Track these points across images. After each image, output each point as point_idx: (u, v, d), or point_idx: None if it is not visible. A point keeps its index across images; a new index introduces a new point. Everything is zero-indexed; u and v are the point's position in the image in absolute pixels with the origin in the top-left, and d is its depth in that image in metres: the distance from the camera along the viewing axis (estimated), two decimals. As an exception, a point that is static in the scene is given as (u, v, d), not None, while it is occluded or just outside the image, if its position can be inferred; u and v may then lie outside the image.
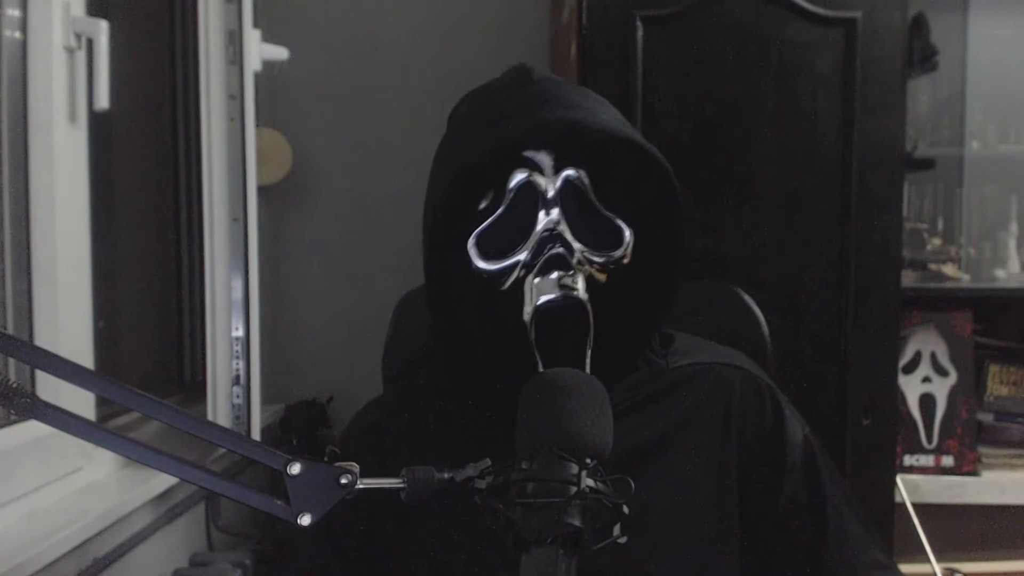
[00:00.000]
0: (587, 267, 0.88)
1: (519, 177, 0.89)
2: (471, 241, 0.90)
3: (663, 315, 0.97)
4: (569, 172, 0.89)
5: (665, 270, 0.95)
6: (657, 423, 0.97)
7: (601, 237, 0.90)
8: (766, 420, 1.00)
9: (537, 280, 0.85)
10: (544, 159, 0.89)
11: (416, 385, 1.06)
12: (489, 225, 0.90)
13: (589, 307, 0.85)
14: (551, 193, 0.88)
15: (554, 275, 0.85)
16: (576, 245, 0.87)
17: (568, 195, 0.89)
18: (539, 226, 0.87)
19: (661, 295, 0.96)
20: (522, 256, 0.88)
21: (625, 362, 0.97)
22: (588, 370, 0.84)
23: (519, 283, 0.87)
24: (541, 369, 0.84)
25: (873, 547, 1.01)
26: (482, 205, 0.91)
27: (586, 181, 0.90)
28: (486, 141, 0.90)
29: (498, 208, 0.90)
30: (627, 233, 0.90)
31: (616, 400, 0.78)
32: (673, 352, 1.01)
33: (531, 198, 0.89)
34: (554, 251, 0.86)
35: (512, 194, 0.89)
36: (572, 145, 0.89)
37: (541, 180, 0.88)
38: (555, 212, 0.87)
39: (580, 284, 0.85)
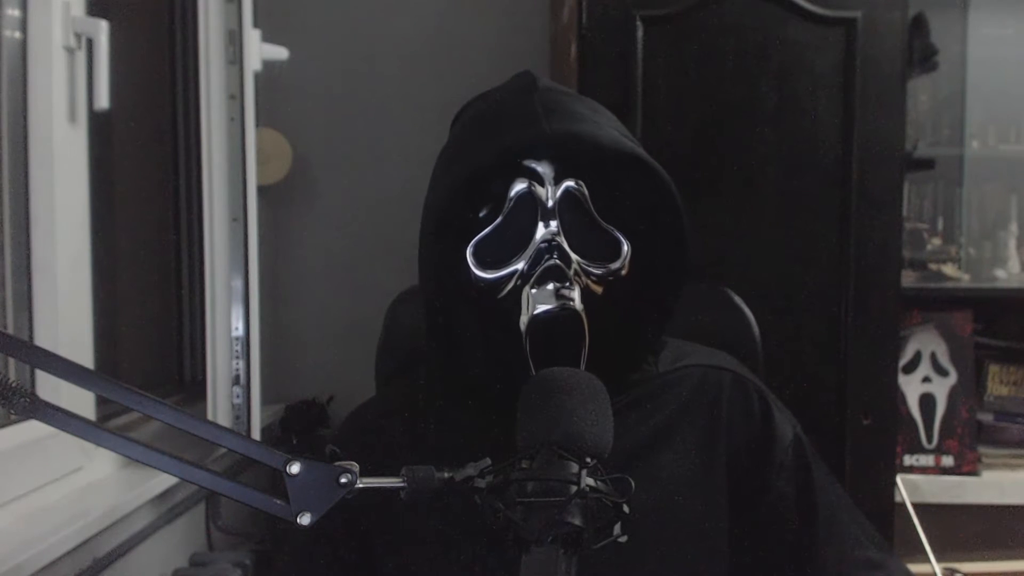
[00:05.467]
0: (584, 279, 0.88)
1: (519, 187, 0.89)
2: (469, 250, 0.90)
3: (662, 327, 0.97)
4: (569, 183, 0.89)
5: (669, 282, 0.95)
6: (645, 426, 0.97)
7: (599, 249, 0.90)
8: (754, 419, 1.00)
9: (534, 290, 0.86)
10: (545, 169, 0.90)
11: (413, 385, 1.06)
12: (488, 234, 0.90)
13: (584, 319, 0.85)
14: (550, 204, 0.88)
15: (551, 286, 0.86)
16: (573, 256, 0.88)
17: (567, 206, 0.89)
18: (537, 236, 0.88)
19: (663, 307, 0.96)
20: (519, 266, 0.88)
21: (626, 371, 0.97)
22: None
23: (516, 292, 0.88)
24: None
25: (868, 546, 1.01)
26: (482, 213, 0.91)
27: (586, 193, 0.90)
28: (489, 150, 0.90)
29: (497, 216, 0.90)
30: (625, 246, 0.91)
31: None
32: (662, 357, 1.02)
33: (530, 208, 0.89)
34: (551, 262, 0.87)
35: (512, 203, 0.89)
36: (574, 157, 0.90)
37: (541, 191, 0.89)
38: (554, 224, 0.88)
39: (576, 296, 0.86)
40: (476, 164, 0.89)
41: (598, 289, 0.90)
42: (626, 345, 0.96)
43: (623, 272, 0.91)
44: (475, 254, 0.90)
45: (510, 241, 0.89)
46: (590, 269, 0.89)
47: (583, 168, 0.90)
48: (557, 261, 0.87)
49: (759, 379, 1.06)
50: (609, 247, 0.91)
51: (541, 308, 0.85)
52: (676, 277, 0.95)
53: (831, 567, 0.98)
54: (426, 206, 0.93)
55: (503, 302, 0.89)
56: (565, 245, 0.88)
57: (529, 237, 0.88)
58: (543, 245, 0.88)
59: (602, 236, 0.91)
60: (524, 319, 0.86)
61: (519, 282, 0.88)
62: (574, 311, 0.85)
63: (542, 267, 0.87)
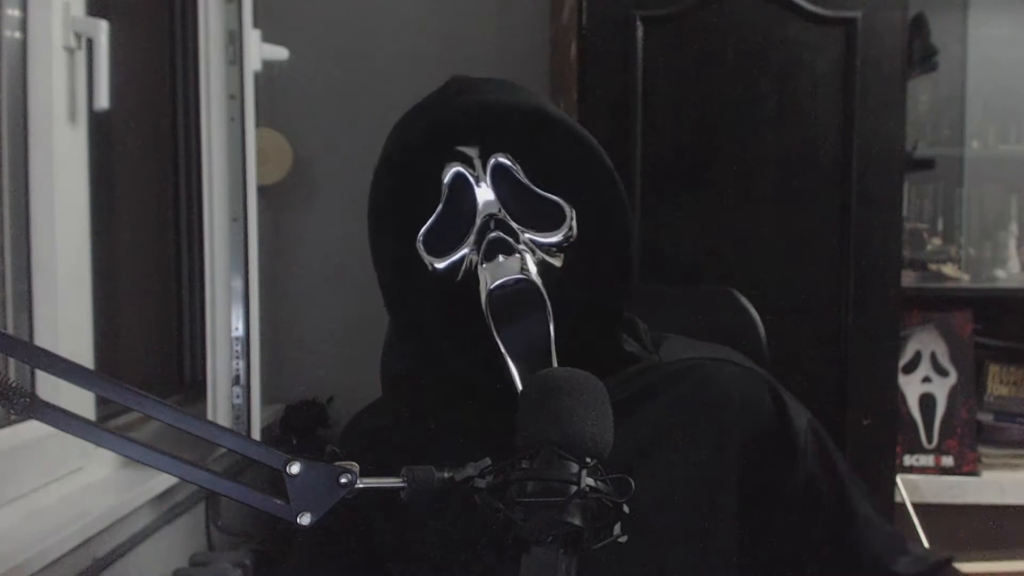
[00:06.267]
0: (537, 253, 0.89)
1: (450, 171, 0.90)
2: (419, 241, 0.91)
3: (622, 297, 0.97)
4: (498, 157, 0.90)
5: (622, 252, 0.95)
6: (649, 421, 0.96)
7: (545, 219, 0.91)
8: (768, 410, 0.99)
9: (485, 266, 0.86)
10: (472, 150, 0.91)
11: (415, 386, 1.06)
12: (433, 223, 0.91)
13: (542, 287, 0.85)
14: (483, 180, 0.90)
15: (500, 258, 0.86)
16: (516, 227, 0.89)
17: (501, 180, 0.90)
18: (478, 214, 0.89)
19: (619, 278, 0.95)
20: (467, 248, 0.89)
21: (601, 354, 0.96)
22: (554, 352, 0.84)
23: (472, 273, 0.88)
24: (506, 356, 0.84)
25: (891, 528, 1.03)
26: (426, 205, 0.92)
27: (516, 164, 0.91)
28: (406, 136, 0.93)
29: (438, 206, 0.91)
30: (568, 210, 0.91)
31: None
32: (665, 350, 1.01)
33: (467, 189, 0.90)
34: (494, 234, 0.87)
35: (447, 188, 0.91)
36: (496, 132, 0.91)
37: (471, 169, 0.90)
38: (490, 196, 0.89)
39: (530, 266, 0.86)
40: (396, 150, 0.93)
41: (556, 261, 0.90)
42: (600, 323, 0.95)
43: (572, 237, 0.91)
44: (425, 244, 0.91)
45: (455, 225, 0.90)
46: (539, 239, 0.89)
47: (510, 142, 0.91)
48: (500, 233, 0.87)
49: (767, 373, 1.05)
50: (554, 215, 0.91)
51: (497, 282, 0.85)
52: (626, 245, 0.94)
53: (864, 548, 0.99)
54: (369, 202, 0.95)
55: (462, 287, 0.89)
56: (507, 218, 0.88)
57: (472, 217, 0.89)
58: (485, 220, 0.88)
59: (545, 205, 0.91)
60: (483, 296, 0.86)
61: (472, 262, 0.89)
62: (530, 282, 0.85)
63: (486, 242, 0.87)
